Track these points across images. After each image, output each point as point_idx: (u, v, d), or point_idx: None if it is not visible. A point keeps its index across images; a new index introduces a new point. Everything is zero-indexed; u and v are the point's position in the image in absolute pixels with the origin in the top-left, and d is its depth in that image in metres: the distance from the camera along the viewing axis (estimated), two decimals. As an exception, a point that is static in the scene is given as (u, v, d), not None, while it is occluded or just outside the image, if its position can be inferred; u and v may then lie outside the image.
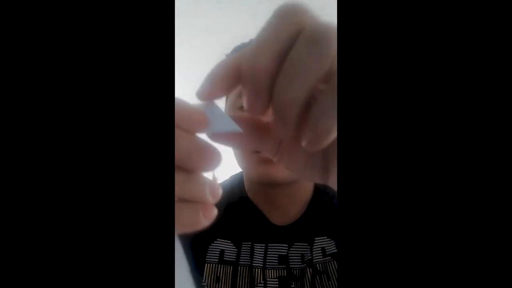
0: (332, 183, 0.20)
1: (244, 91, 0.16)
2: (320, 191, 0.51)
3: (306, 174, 0.21)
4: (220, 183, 0.58)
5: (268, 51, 0.15)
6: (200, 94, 0.17)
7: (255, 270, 0.46)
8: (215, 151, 0.17)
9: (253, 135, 0.20)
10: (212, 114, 0.17)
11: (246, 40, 0.48)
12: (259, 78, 0.15)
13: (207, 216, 0.17)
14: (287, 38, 0.15)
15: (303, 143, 0.17)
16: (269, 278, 0.45)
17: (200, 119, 0.17)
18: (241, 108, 0.45)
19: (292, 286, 0.45)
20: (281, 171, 0.44)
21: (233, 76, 0.16)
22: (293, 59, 0.15)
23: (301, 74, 0.15)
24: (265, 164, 0.44)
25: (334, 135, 0.16)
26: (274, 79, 0.15)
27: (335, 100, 0.15)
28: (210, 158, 0.16)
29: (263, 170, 0.44)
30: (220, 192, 0.18)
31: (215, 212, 0.18)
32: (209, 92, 0.17)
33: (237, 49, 0.47)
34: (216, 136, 0.18)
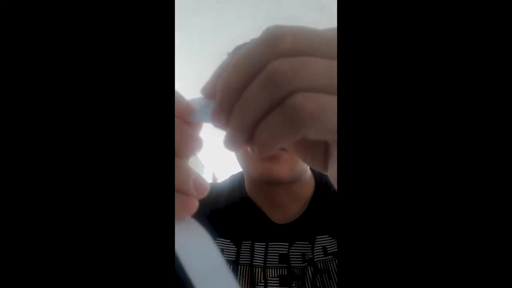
0: (331, 174, 0.21)
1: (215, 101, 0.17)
2: (322, 185, 0.51)
3: (307, 160, 0.22)
4: (219, 182, 0.59)
5: (240, 73, 0.16)
6: (204, 91, 0.18)
7: (255, 269, 0.46)
8: (196, 137, 0.17)
9: None
10: (203, 106, 0.18)
11: (246, 40, 0.48)
12: (225, 96, 0.16)
13: (186, 208, 0.17)
14: (255, 68, 0.16)
15: (248, 149, 0.17)
16: (269, 277, 0.45)
17: (184, 108, 0.18)
18: None
19: (293, 285, 0.45)
20: (282, 170, 0.43)
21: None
22: (249, 91, 0.16)
23: (251, 107, 0.16)
24: (266, 162, 0.44)
25: (275, 148, 0.17)
26: (236, 100, 0.16)
27: (282, 119, 0.16)
28: (190, 143, 0.17)
29: (264, 169, 0.44)
30: (207, 189, 0.18)
31: (195, 205, 0.18)
32: (212, 90, 0.17)
33: (239, 48, 0.47)
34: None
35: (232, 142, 0.17)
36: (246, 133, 0.16)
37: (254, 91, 0.15)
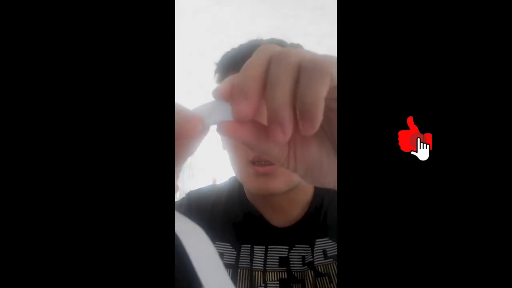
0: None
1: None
2: (320, 189, 0.51)
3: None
4: (219, 184, 0.58)
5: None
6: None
7: (255, 272, 0.45)
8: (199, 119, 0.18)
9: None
10: (218, 107, 0.19)
11: (246, 40, 0.47)
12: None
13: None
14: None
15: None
16: (269, 280, 0.45)
17: (196, 121, 0.18)
18: None
19: None
20: (278, 183, 0.43)
21: None
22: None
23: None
24: (261, 176, 0.43)
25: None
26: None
27: None
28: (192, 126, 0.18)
29: (259, 183, 0.43)
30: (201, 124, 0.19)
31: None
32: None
33: (226, 56, 0.47)
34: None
35: None
36: None
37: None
